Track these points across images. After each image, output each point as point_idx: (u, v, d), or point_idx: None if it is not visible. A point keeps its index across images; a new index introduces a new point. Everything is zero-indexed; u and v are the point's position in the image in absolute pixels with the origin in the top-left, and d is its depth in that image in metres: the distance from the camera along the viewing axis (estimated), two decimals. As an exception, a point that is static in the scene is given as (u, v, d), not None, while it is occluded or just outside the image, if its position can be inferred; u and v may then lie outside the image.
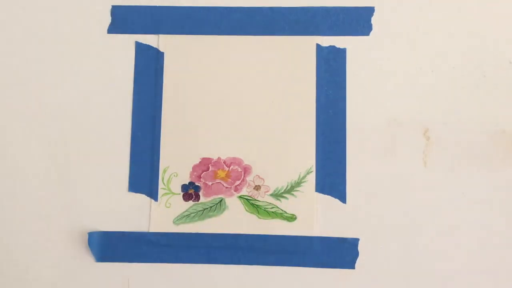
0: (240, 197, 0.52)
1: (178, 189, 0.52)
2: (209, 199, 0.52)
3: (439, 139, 0.51)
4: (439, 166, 0.51)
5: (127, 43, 0.54)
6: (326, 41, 0.53)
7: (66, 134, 0.53)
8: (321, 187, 0.51)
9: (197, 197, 0.52)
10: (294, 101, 0.52)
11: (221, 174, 0.52)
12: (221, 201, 0.52)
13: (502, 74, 0.52)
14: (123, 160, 0.52)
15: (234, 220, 0.51)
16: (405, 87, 0.52)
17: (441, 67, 0.52)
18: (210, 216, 0.51)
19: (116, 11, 0.54)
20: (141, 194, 0.52)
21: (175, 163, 0.52)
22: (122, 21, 0.54)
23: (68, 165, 0.52)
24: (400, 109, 0.52)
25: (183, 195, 0.52)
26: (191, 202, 0.52)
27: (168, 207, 0.52)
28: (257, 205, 0.51)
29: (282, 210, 0.51)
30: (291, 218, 0.51)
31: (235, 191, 0.52)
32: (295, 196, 0.51)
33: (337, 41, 0.53)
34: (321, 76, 0.52)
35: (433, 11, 0.53)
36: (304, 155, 0.52)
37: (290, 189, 0.51)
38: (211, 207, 0.51)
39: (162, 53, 0.53)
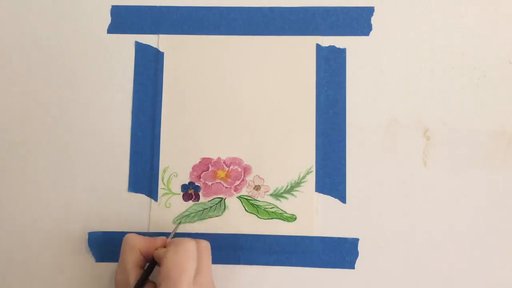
0: (240, 197, 0.52)
1: (178, 189, 0.52)
2: (209, 199, 0.52)
3: (439, 139, 0.51)
4: (439, 166, 0.51)
5: (127, 43, 0.54)
6: (326, 41, 0.53)
7: (66, 134, 0.53)
8: (321, 187, 0.51)
9: (197, 197, 0.52)
10: (294, 101, 0.52)
11: (221, 174, 0.52)
12: (221, 201, 0.52)
13: (502, 74, 0.52)
14: (123, 160, 0.52)
15: (234, 220, 0.51)
16: (405, 87, 0.52)
17: (441, 67, 0.52)
18: (210, 216, 0.51)
19: (116, 11, 0.54)
20: (141, 194, 0.52)
21: (175, 163, 0.52)
22: (122, 21, 0.54)
23: (68, 165, 0.52)
24: (400, 109, 0.52)
25: (183, 195, 0.52)
26: (191, 202, 0.52)
27: (168, 207, 0.52)
28: (257, 205, 0.51)
29: (282, 210, 0.51)
30: (291, 218, 0.51)
31: (235, 191, 0.52)
32: (295, 196, 0.51)
33: (337, 41, 0.53)
34: (321, 76, 0.52)
35: (433, 11, 0.53)
36: (304, 155, 0.52)
37: (290, 189, 0.51)
38: (211, 207, 0.51)
39: (162, 53, 0.53)
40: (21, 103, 0.53)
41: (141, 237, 0.46)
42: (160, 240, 0.47)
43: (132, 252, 0.45)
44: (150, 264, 0.46)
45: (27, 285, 0.51)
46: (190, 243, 0.44)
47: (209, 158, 0.52)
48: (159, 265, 0.45)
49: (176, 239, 0.46)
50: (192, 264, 0.43)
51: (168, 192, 0.52)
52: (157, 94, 0.53)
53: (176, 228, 0.49)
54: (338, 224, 0.51)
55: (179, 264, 0.42)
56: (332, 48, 0.53)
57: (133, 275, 0.44)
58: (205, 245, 0.46)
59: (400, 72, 0.52)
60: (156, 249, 0.46)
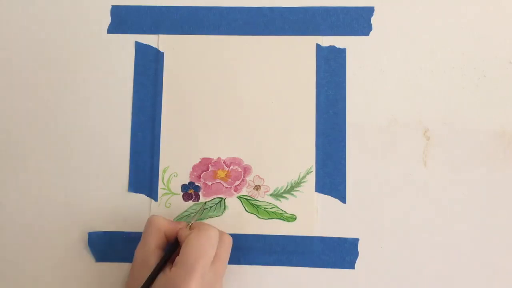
0: (240, 197, 0.52)
1: (178, 189, 0.52)
2: (209, 199, 0.52)
3: (439, 139, 0.51)
4: (439, 166, 0.51)
5: (127, 43, 0.54)
6: (326, 41, 0.53)
7: (66, 134, 0.53)
8: (321, 187, 0.51)
9: (197, 197, 0.52)
10: (294, 101, 0.52)
11: (221, 174, 0.52)
12: (221, 201, 0.52)
13: (502, 74, 0.52)
14: (123, 160, 0.52)
15: (234, 220, 0.51)
16: (405, 87, 0.52)
17: (441, 67, 0.52)
18: (210, 216, 0.51)
19: (116, 11, 0.54)
20: (141, 194, 0.52)
21: (175, 163, 0.52)
22: (122, 21, 0.54)
23: (68, 165, 0.52)
24: (400, 109, 0.52)
25: (183, 195, 0.52)
26: (191, 202, 0.52)
27: (168, 207, 0.52)
28: (257, 205, 0.51)
29: (282, 210, 0.51)
30: (291, 218, 0.51)
31: (235, 191, 0.52)
32: (295, 196, 0.51)
33: (337, 41, 0.53)
34: (321, 76, 0.52)
35: (433, 11, 0.53)
36: (304, 155, 0.52)
37: (290, 189, 0.51)
38: (211, 207, 0.51)
39: (162, 53, 0.53)
40: (21, 103, 0.53)
41: (166, 220, 0.48)
42: (183, 224, 0.48)
43: (158, 234, 0.47)
44: (172, 247, 0.47)
45: (27, 285, 0.51)
46: (214, 231, 0.46)
47: (209, 158, 0.52)
48: (180, 245, 0.46)
49: (201, 223, 0.48)
50: (211, 251, 0.45)
51: (168, 192, 0.52)
52: (157, 94, 0.53)
53: (201, 210, 0.50)
54: (338, 224, 0.51)
55: (199, 248, 0.44)
56: (332, 48, 0.53)
57: (155, 256, 0.46)
58: (228, 239, 0.48)
59: (400, 72, 0.52)
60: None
